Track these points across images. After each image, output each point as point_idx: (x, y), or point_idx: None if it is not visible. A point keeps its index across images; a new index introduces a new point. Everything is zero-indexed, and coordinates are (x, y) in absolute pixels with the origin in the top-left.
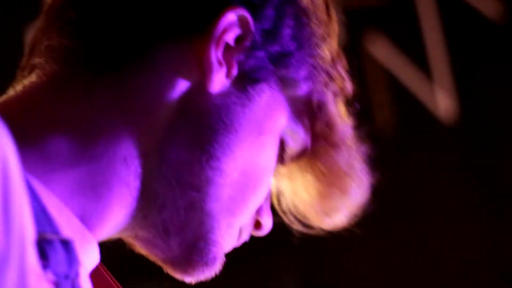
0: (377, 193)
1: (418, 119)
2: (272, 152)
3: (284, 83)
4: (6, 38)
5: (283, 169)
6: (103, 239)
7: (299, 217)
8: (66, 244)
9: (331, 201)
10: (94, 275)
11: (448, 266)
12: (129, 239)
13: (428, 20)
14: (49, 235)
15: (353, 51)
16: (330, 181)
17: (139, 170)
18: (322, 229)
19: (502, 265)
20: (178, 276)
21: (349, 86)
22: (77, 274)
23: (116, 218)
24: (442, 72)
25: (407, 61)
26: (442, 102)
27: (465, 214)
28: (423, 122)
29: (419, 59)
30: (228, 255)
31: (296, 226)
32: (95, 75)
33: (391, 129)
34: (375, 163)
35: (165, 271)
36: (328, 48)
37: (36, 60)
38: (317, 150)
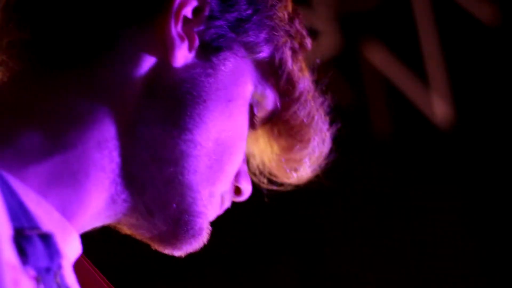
0: (375, 197)
1: (415, 125)
2: (243, 117)
3: (246, 48)
4: None
5: (251, 132)
6: (87, 229)
7: (268, 176)
8: (46, 238)
9: (294, 154)
10: (77, 267)
11: (441, 267)
12: (113, 224)
13: (425, 26)
14: (27, 231)
15: (350, 58)
16: (292, 133)
17: (113, 153)
18: (290, 185)
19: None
20: (167, 251)
21: (308, 41)
22: (59, 267)
23: (96, 205)
24: (439, 78)
25: (403, 67)
26: (439, 108)
27: (460, 217)
28: (419, 127)
29: (415, 65)
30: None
31: (266, 186)
32: (59, 67)
33: (388, 135)
34: (372, 167)
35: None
36: (284, 7)
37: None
38: (282, 107)
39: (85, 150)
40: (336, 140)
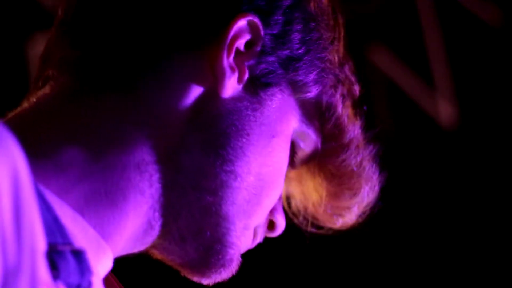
0: (379, 197)
1: (419, 125)
2: (284, 154)
3: (294, 87)
4: (8, 51)
5: (292, 172)
6: (123, 253)
7: (309, 218)
8: (78, 254)
9: (342, 201)
10: (105, 282)
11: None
12: (148, 249)
13: (429, 27)
14: (61, 246)
15: (354, 60)
16: (341, 181)
17: (153, 178)
18: (331, 229)
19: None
20: (195, 279)
21: (356, 88)
22: (89, 284)
23: (133, 229)
24: (443, 79)
25: (408, 69)
26: (443, 108)
27: (465, 217)
28: (424, 128)
29: (419, 66)
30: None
31: (306, 227)
32: (108, 87)
33: (392, 135)
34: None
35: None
36: (336, 51)
37: (50, 72)
38: (326, 152)
39: (125, 172)
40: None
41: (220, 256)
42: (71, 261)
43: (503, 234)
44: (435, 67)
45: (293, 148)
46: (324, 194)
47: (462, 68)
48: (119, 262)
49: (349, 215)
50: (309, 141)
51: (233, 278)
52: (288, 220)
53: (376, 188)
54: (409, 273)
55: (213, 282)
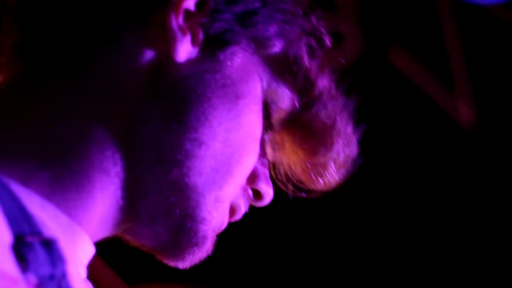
0: (402, 197)
1: (438, 125)
2: (254, 117)
3: (256, 43)
4: None
5: (276, 136)
6: (97, 239)
7: (296, 183)
8: (48, 244)
9: (318, 158)
10: (91, 267)
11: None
12: (121, 235)
13: (448, 29)
14: (28, 237)
15: (374, 61)
16: (315, 137)
17: (116, 155)
18: (318, 192)
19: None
20: (171, 263)
21: (327, 38)
22: (64, 273)
23: (102, 210)
24: (462, 80)
25: (427, 70)
26: (462, 109)
27: (483, 216)
28: (443, 128)
29: (438, 67)
30: None
31: (295, 194)
32: (59, 68)
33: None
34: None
35: None
36: (297, 1)
37: (2, 60)
38: (300, 107)
39: (86, 153)
40: (362, 144)
41: (192, 234)
42: (40, 251)
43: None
44: (454, 68)
45: (267, 109)
46: (301, 152)
47: (480, 69)
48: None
49: (328, 174)
50: (284, 99)
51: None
52: (278, 189)
53: (354, 143)
54: (417, 274)
55: (189, 265)
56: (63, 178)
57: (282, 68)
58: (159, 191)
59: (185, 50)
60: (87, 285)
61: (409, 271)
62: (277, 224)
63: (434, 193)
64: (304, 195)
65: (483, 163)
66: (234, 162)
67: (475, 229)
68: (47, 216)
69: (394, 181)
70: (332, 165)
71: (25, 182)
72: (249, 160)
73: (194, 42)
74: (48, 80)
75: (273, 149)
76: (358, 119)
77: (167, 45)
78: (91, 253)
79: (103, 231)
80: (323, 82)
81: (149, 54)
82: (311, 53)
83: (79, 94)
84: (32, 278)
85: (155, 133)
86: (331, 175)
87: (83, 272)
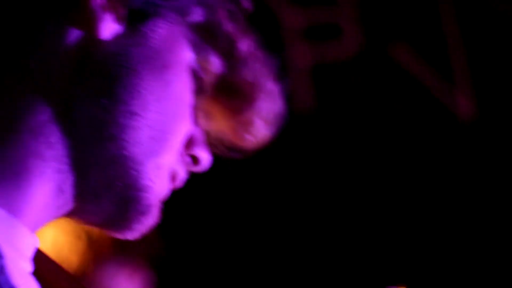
0: (402, 192)
1: (437, 119)
2: (183, 84)
3: (178, 13)
4: None
5: (206, 104)
6: (41, 225)
7: (227, 144)
8: None
9: (243, 115)
10: (38, 261)
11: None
12: (68, 217)
13: (448, 22)
14: None
15: (374, 56)
16: (238, 95)
17: (51, 139)
18: (250, 151)
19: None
20: (120, 236)
21: (245, 2)
22: (1, 269)
23: (43, 196)
24: (462, 73)
25: (426, 64)
26: (462, 102)
27: (482, 209)
28: (442, 121)
29: (438, 60)
30: None
31: (228, 154)
32: None
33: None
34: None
35: None
36: None
37: None
38: (226, 70)
39: (20, 140)
40: (363, 139)
41: (136, 203)
42: None
43: None
44: (454, 61)
45: (196, 75)
46: (228, 112)
47: (480, 62)
48: None
49: (254, 130)
50: (212, 64)
51: None
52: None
53: (278, 99)
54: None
55: (138, 235)
56: (0, 170)
57: (206, 34)
58: (98, 167)
59: (108, 28)
60: (30, 279)
61: (413, 266)
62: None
63: (434, 187)
64: (237, 156)
65: (483, 156)
66: (169, 128)
67: (474, 225)
68: None
69: (394, 175)
70: (258, 121)
71: None
72: (183, 126)
73: (116, 18)
74: None
75: (204, 117)
76: (284, 74)
77: (91, 25)
78: (34, 244)
79: (48, 216)
80: (245, 43)
81: (74, 36)
82: (231, 17)
83: (5, 82)
84: None
85: (88, 112)
86: (259, 131)
87: (27, 266)
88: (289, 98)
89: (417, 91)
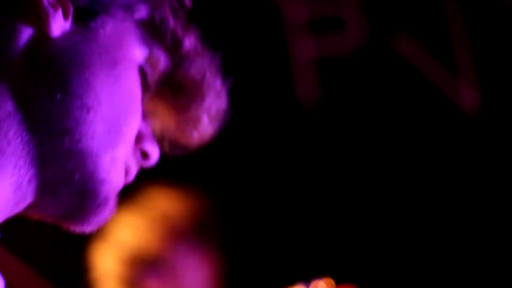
0: (407, 185)
1: (442, 111)
2: (132, 79)
3: (124, 10)
4: None
5: (150, 103)
6: (1, 220)
7: (172, 141)
8: None
9: (191, 112)
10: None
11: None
12: (24, 212)
13: (452, 13)
14: None
15: (378, 47)
16: (186, 93)
17: (9, 134)
18: (193, 148)
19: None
20: (78, 228)
21: None
22: None
23: (2, 192)
24: (466, 64)
25: (431, 55)
26: (466, 94)
27: (486, 200)
28: (447, 114)
29: (443, 51)
30: None
31: (173, 151)
32: None
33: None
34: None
35: None
36: None
37: None
38: (170, 66)
39: None
40: (366, 133)
41: (94, 196)
42: None
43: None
44: (458, 53)
45: (142, 71)
46: (174, 109)
47: (485, 53)
48: None
49: (201, 127)
50: (157, 61)
51: None
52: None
53: (223, 95)
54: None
55: (95, 227)
56: None
57: (151, 31)
58: (56, 161)
59: (58, 25)
60: None
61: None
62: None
63: (438, 181)
64: (180, 152)
65: (487, 149)
66: (122, 122)
67: (478, 218)
68: None
69: (399, 169)
70: (205, 118)
71: None
72: (135, 120)
73: (65, 15)
74: None
75: (150, 113)
76: (226, 70)
77: (41, 22)
78: None
79: (6, 213)
80: (190, 40)
81: (26, 34)
82: (175, 14)
83: None
84: None
85: (43, 108)
86: (204, 128)
87: None
88: (293, 91)
89: (421, 84)
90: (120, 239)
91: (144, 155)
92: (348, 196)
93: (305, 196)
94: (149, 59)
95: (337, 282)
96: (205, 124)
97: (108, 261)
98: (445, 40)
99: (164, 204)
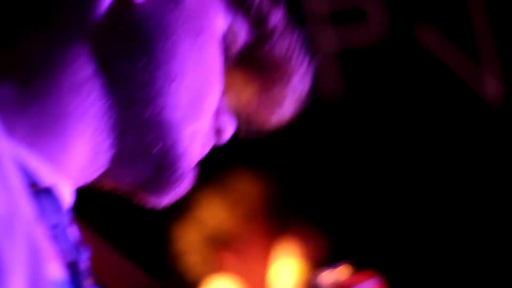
0: (432, 176)
1: (466, 103)
2: (215, 50)
3: None
4: None
5: (228, 77)
6: (77, 185)
7: (247, 121)
8: (49, 193)
9: (275, 92)
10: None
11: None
12: (99, 179)
13: (475, 5)
14: (34, 187)
15: (399, 38)
16: (268, 74)
17: (90, 98)
18: (270, 129)
19: None
20: (152, 201)
21: None
22: (66, 222)
23: (80, 156)
24: (490, 57)
25: (453, 46)
26: (490, 86)
27: (508, 195)
28: (471, 105)
29: (465, 43)
30: None
31: (246, 132)
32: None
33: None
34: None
35: None
36: None
37: None
38: (253, 43)
39: (60, 98)
40: (389, 124)
41: (171, 171)
42: (46, 200)
43: None
44: (481, 44)
45: (225, 42)
46: (257, 87)
47: (508, 44)
48: None
49: (282, 109)
50: (240, 34)
51: None
52: None
53: (307, 78)
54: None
55: (170, 201)
56: (41, 127)
57: (236, 4)
58: (136, 130)
59: None
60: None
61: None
62: None
63: (463, 172)
64: (253, 133)
65: (511, 140)
66: (205, 95)
67: (499, 209)
68: (34, 165)
69: (423, 161)
70: (288, 100)
71: (9, 133)
72: (216, 93)
73: None
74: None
75: (230, 88)
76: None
77: None
78: (72, 202)
79: (84, 178)
80: (276, 17)
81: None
82: None
83: (43, 39)
84: (45, 228)
85: (126, 74)
86: (285, 110)
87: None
88: (316, 83)
89: (444, 75)
90: (202, 218)
91: (218, 132)
92: (372, 186)
93: (333, 187)
94: (233, 31)
95: (358, 268)
96: (287, 106)
97: (189, 237)
98: (467, 30)
99: (244, 186)
